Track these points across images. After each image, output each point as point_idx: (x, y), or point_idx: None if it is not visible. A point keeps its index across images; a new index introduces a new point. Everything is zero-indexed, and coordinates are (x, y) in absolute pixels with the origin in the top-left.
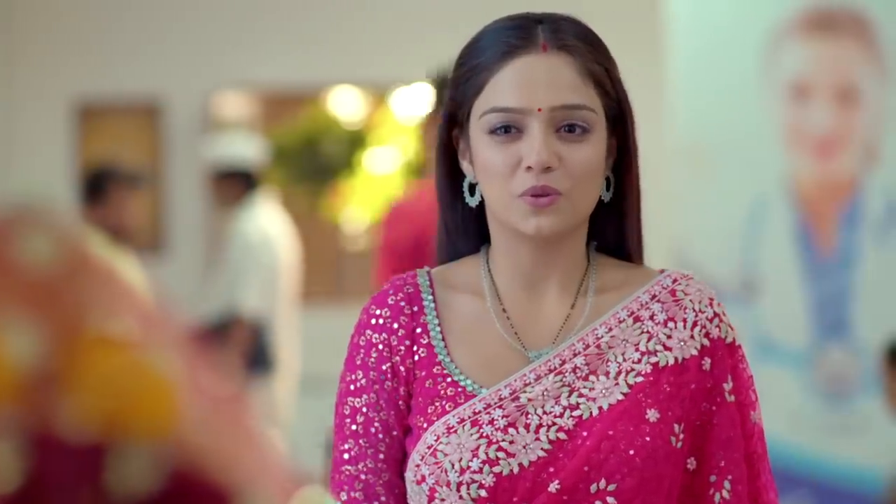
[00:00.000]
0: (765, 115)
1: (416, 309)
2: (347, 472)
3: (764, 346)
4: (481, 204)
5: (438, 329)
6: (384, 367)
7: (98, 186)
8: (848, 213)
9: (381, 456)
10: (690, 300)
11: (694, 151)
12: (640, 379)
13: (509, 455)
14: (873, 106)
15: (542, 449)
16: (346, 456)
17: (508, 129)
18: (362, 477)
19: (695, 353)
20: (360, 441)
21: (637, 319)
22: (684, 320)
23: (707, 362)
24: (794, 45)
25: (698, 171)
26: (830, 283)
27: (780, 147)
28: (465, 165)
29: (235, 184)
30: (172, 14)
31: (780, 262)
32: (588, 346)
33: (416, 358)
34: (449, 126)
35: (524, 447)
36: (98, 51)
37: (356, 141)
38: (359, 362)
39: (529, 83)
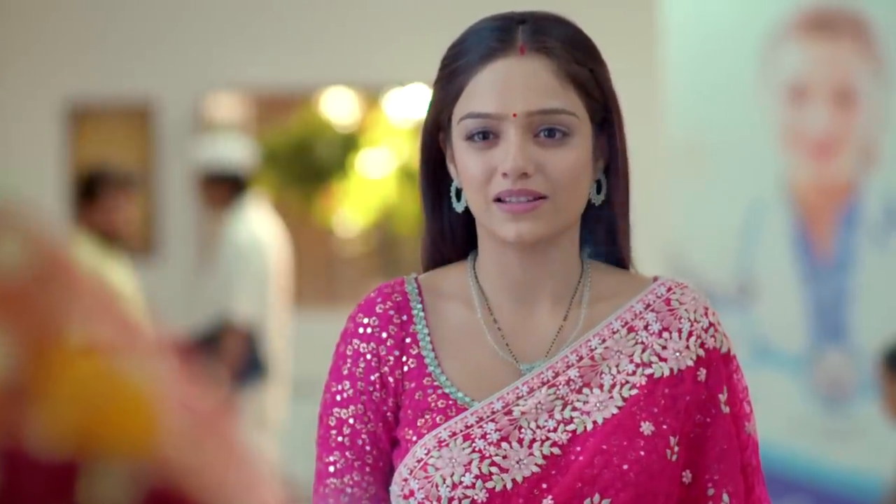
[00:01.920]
0: (762, 116)
1: (405, 318)
2: (333, 485)
3: (761, 350)
4: (468, 209)
5: (428, 339)
6: (372, 378)
7: (90, 189)
8: (846, 216)
9: (368, 469)
10: (686, 309)
11: (690, 153)
12: (634, 391)
13: (503, 470)
14: (871, 108)
15: (535, 464)
16: (331, 469)
17: (486, 136)
18: (348, 490)
19: (690, 363)
20: (347, 453)
21: (631, 330)
22: (679, 330)
23: (702, 373)
24: (792, 46)
25: (694, 172)
26: (828, 286)
27: (777, 149)
28: (452, 170)
29: (224, 187)
30: (163, 15)
31: (776, 266)
32: (581, 358)
33: (406, 368)
34: (434, 129)
35: (517, 462)
36: (89, 52)
37: (349, 143)
38: (346, 372)
39: (505, 87)
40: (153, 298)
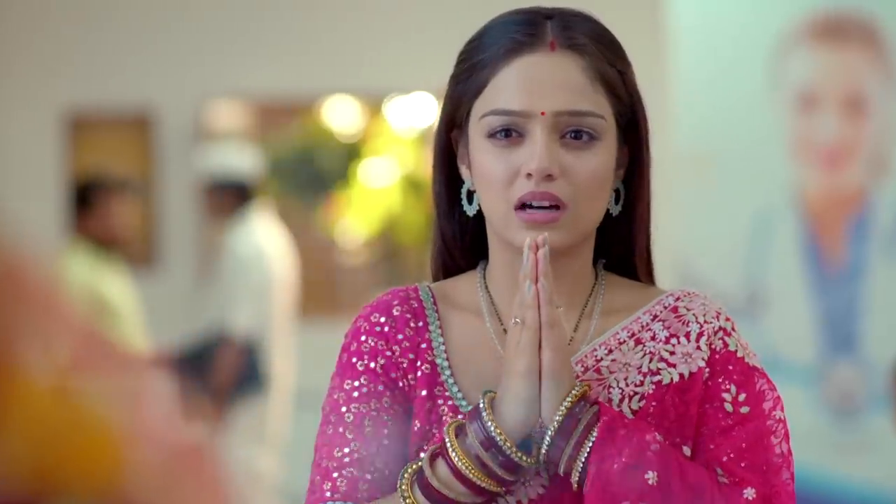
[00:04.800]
0: (771, 124)
1: (420, 324)
2: (349, 475)
3: (770, 361)
4: (479, 214)
5: (443, 348)
6: (393, 375)
7: (87, 196)
8: (856, 226)
9: (391, 459)
10: (693, 314)
11: (699, 162)
12: (643, 403)
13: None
14: (882, 116)
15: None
16: (346, 459)
17: (509, 133)
18: (368, 476)
19: (702, 364)
20: (371, 442)
21: (638, 342)
22: (687, 334)
23: (707, 372)
24: (802, 53)
25: (703, 181)
26: (838, 297)
27: (786, 158)
28: (463, 171)
29: (229, 195)
30: (163, 22)
31: (786, 276)
32: (587, 370)
33: (419, 374)
34: (447, 127)
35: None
36: (88, 60)
37: (352, 152)
38: (361, 368)
39: (534, 84)
40: (153, 309)
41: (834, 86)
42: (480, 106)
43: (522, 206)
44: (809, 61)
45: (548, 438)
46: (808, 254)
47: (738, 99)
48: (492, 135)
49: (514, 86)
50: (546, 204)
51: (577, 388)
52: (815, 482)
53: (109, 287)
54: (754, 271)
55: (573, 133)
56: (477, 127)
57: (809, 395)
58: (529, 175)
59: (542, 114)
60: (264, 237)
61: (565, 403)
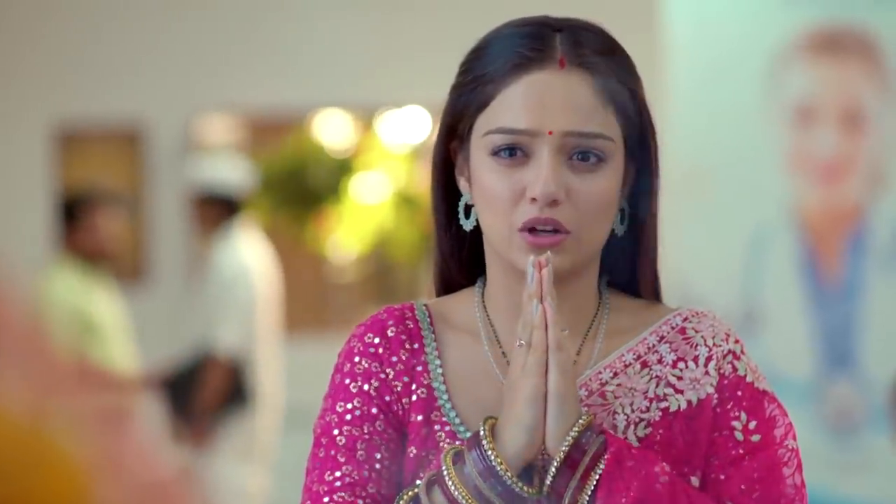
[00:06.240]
0: (768, 139)
1: (416, 346)
2: (341, 499)
3: (767, 378)
4: (478, 229)
5: (440, 371)
6: (387, 399)
7: (75, 210)
8: (854, 241)
9: (385, 483)
10: (702, 336)
11: (694, 177)
12: (649, 430)
13: None
14: (880, 130)
15: None
16: (338, 483)
17: (514, 153)
18: (359, 502)
19: (710, 390)
20: (364, 466)
21: (644, 365)
22: (696, 358)
23: (715, 398)
24: (799, 67)
25: (698, 197)
26: (836, 313)
27: (783, 173)
28: (461, 183)
29: (217, 209)
30: (154, 37)
31: (783, 292)
32: (591, 394)
33: (414, 398)
34: (447, 138)
35: None
36: (78, 74)
37: (343, 167)
38: (355, 390)
39: (542, 103)
40: (142, 324)
41: (831, 100)
42: (484, 122)
43: (525, 228)
44: (806, 75)
45: (553, 469)
46: (805, 269)
47: (735, 113)
48: (496, 153)
49: (521, 104)
50: (549, 228)
51: (583, 417)
52: (810, 501)
53: (96, 304)
54: (751, 287)
55: (580, 155)
56: (480, 143)
57: (807, 412)
58: (534, 199)
59: (550, 133)
60: (249, 254)
61: (572, 433)
